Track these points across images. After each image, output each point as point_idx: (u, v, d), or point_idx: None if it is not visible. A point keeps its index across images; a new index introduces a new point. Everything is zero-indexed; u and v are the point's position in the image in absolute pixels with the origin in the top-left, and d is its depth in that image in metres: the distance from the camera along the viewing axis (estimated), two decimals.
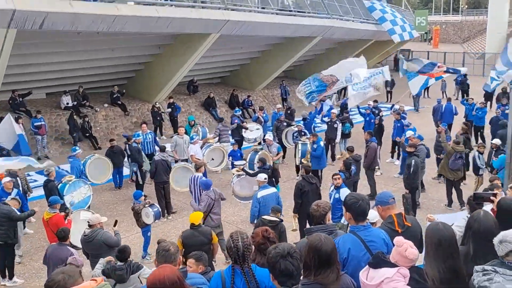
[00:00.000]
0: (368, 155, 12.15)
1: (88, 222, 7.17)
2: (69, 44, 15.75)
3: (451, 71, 15.96)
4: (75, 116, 16.49)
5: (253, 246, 3.55)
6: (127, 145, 12.92)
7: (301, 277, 3.10)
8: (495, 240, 3.10)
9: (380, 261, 3.37)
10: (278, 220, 7.23)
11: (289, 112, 17.88)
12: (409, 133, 12.33)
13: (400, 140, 13.29)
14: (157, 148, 12.82)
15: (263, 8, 19.75)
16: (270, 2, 20.24)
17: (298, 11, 21.46)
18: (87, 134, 16.71)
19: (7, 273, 8.35)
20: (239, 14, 17.71)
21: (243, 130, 15.26)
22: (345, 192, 8.33)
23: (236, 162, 12.73)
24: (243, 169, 11.11)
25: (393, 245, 3.38)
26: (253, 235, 4.34)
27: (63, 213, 8.23)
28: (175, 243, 3.86)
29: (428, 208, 11.14)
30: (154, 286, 2.81)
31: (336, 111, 15.99)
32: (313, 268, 3.03)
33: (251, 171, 10.88)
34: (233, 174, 11.44)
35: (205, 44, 17.29)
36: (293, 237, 8.67)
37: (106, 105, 18.76)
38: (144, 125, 13.86)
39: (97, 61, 17.80)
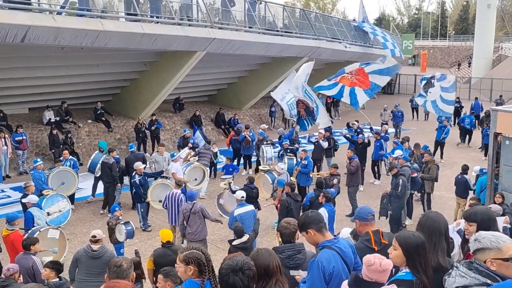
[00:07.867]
0: (349, 170, 12.04)
1: (95, 236, 6.72)
2: (53, 59, 15.60)
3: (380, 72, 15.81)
4: (55, 132, 16.21)
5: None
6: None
7: None
8: (472, 237, 3.04)
9: (362, 283, 3.30)
10: (246, 238, 7.04)
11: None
12: (397, 152, 12.30)
13: (389, 159, 13.32)
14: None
15: (250, 27, 19.81)
16: (258, 22, 20.33)
17: (285, 31, 21.60)
18: (69, 150, 16.41)
19: None
20: (225, 33, 17.73)
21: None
22: (322, 211, 8.16)
23: (222, 177, 12.67)
24: (229, 184, 11.01)
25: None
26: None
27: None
28: (128, 258, 3.68)
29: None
30: None
31: (323, 131, 15.81)
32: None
33: (235, 188, 10.72)
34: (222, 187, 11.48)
35: (190, 62, 17.24)
36: None
37: (90, 121, 18.55)
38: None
39: (82, 77, 17.63)
